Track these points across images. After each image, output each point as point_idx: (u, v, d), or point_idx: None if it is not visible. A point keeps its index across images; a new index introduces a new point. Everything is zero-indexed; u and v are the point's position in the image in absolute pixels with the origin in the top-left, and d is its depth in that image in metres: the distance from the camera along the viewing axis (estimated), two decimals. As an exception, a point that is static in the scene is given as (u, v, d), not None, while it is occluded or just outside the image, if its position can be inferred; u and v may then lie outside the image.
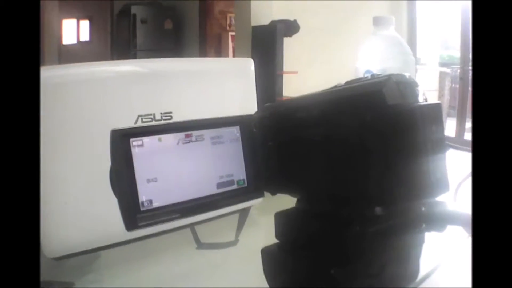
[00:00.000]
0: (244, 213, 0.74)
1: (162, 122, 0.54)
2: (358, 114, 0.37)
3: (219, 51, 5.98)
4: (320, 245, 0.41)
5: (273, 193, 0.48)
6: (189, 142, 0.47)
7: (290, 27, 2.91)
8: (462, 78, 3.95)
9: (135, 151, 0.45)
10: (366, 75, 0.47)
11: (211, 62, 0.83)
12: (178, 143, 0.47)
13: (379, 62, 0.91)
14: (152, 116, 0.64)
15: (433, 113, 0.37)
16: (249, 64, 0.77)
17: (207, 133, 0.48)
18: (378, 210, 0.38)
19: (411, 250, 0.43)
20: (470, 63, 3.62)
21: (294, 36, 2.94)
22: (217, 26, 6.09)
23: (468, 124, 3.87)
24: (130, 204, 0.45)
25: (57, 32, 6.04)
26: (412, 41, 3.93)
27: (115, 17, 6.38)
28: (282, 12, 2.97)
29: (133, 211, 0.45)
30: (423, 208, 0.40)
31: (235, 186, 0.49)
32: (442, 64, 5.05)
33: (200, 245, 0.69)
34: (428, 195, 0.38)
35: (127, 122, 0.56)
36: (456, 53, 4.42)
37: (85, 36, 6.53)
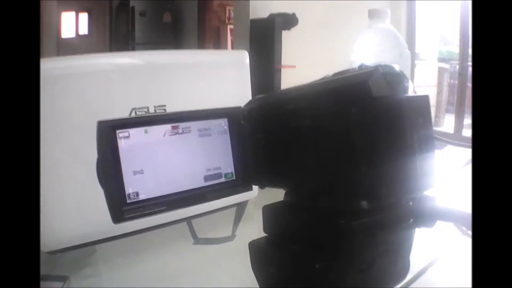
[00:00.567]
0: (241, 208, 0.74)
1: (150, 114, 0.54)
2: (344, 106, 0.37)
3: (218, 45, 5.97)
4: (306, 238, 0.41)
5: (262, 186, 0.48)
6: (175, 134, 0.47)
7: (289, 21, 2.90)
8: (461, 74, 3.94)
9: (121, 143, 0.45)
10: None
11: (206, 54, 0.83)
12: (164, 135, 0.47)
13: (374, 55, 0.90)
14: (146, 109, 0.63)
15: (421, 106, 0.37)
16: (244, 57, 0.76)
17: (194, 125, 0.48)
18: (364, 204, 0.37)
19: (400, 245, 0.43)
20: (469, 59, 3.62)
21: (292, 30, 2.93)
22: (216, 19, 6.08)
23: (467, 121, 3.87)
24: (117, 196, 0.44)
25: (56, 26, 6.01)
26: (411, 36, 3.92)
27: (114, 10, 6.37)
28: (281, 6, 2.96)
29: (120, 203, 0.44)
30: (411, 203, 0.40)
31: (223, 179, 0.48)
32: (441, 60, 5.04)
33: (197, 240, 0.69)
34: (415, 189, 0.38)
35: (121, 115, 0.56)
36: (455, 49, 4.41)
37: (83, 29, 6.51)
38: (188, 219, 0.70)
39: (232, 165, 0.48)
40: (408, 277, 0.46)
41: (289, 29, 2.92)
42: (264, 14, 2.98)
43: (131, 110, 0.61)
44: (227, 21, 6.03)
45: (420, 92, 0.38)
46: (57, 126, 0.58)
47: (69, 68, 0.61)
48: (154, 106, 0.63)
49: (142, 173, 0.45)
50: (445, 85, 4.72)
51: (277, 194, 0.46)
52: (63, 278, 0.58)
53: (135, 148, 0.45)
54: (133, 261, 0.65)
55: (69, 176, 0.59)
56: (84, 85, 0.60)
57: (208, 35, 6.08)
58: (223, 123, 0.47)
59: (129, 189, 0.44)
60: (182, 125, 0.46)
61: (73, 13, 6.46)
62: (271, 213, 0.46)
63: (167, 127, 0.45)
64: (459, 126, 3.87)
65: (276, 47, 2.88)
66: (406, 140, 0.35)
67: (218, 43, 6.03)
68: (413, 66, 3.66)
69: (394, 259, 0.43)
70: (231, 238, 0.70)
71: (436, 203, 0.40)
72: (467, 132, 3.66)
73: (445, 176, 0.76)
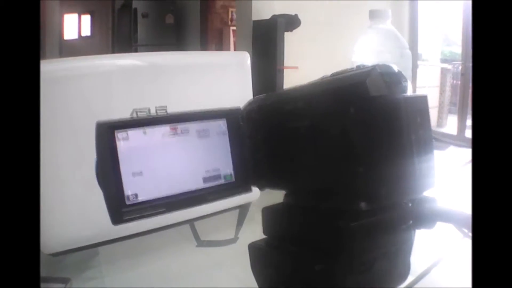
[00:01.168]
0: (243, 210, 0.74)
1: (148, 115, 0.54)
2: (342, 106, 0.37)
3: (221, 46, 5.97)
4: (306, 240, 0.41)
5: (261, 188, 0.48)
6: (174, 135, 0.46)
7: (291, 22, 2.90)
8: (464, 75, 3.93)
9: (120, 144, 0.44)
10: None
11: (208, 55, 0.83)
12: (163, 137, 0.46)
13: (375, 55, 0.90)
14: (147, 110, 0.63)
15: (419, 105, 0.37)
16: (245, 58, 0.76)
17: (193, 126, 0.47)
18: (363, 205, 0.37)
19: (400, 247, 0.42)
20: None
21: (295, 31, 2.93)
22: (219, 20, 6.08)
23: (470, 121, 3.86)
24: (116, 198, 0.44)
25: (58, 27, 6.02)
26: (413, 37, 3.91)
27: (116, 12, 6.37)
28: (284, 7, 2.96)
29: (119, 205, 0.44)
30: (410, 204, 0.40)
31: (222, 181, 0.48)
32: (444, 60, 5.03)
33: (200, 242, 0.69)
34: (414, 190, 0.38)
35: (122, 116, 0.56)
36: (458, 49, 4.40)
37: (86, 31, 6.51)
38: (190, 222, 0.70)
39: (231, 166, 0.48)
40: (409, 279, 0.45)
41: (291, 30, 2.92)
42: (267, 16, 2.97)
43: (132, 111, 0.61)
44: (229, 22, 6.04)
45: (419, 92, 0.38)
46: (58, 127, 0.58)
47: (70, 70, 0.61)
48: (156, 107, 0.63)
49: (141, 174, 0.45)
50: (448, 86, 4.71)
51: (279, 196, 0.46)
52: (65, 280, 0.58)
53: (134, 150, 0.45)
54: (136, 264, 0.65)
55: (71, 178, 0.59)
56: (86, 86, 0.60)
57: (210, 37, 6.08)
58: (221, 124, 0.47)
59: (128, 191, 0.44)
60: (180, 126, 0.46)
61: (75, 15, 6.46)
62: (271, 214, 0.45)
63: (166, 128, 0.45)
64: (461, 127, 3.86)
65: (279, 48, 2.87)
66: (404, 140, 0.35)
67: (220, 44, 6.03)
68: (415, 66, 3.66)
69: (394, 261, 0.42)
70: (233, 240, 0.70)
71: (436, 204, 0.40)
72: (470, 133, 3.65)
73: (446, 176, 0.75)
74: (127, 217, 0.44)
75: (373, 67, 0.36)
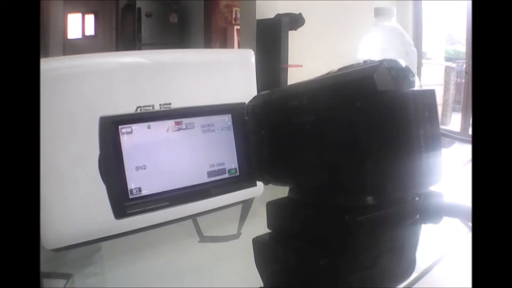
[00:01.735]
0: (246, 205, 0.74)
1: (153, 110, 0.54)
2: (349, 100, 0.36)
3: (225, 45, 5.97)
4: (311, 235, 0.41)
5: (266, 182, 0.47)
6: (179, 130, 0.46)
7: (295, 21, 2.89)
8: (468, 73, 3.93)
9: (123, 138, 0.44)
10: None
11: (212, 53, 0.83)
12: (167, 131, 0.46)
13: (380, 53, 0.90)
14: (151, 107, 0.63)
15: (427, 100, 0.36)
16: (250, 55, 0.76)
17: (198, 121, 0.47)
18: (369, 199, 0.37)
19: (406, 242, 0.42)
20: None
21: (299, 30, 2.92)
22: (223, 20, 6.08)
23: (473, 120, 3.84)
24: (119, 191, 0.44)
25: (62, 27, 6.03)
26: (417, 36, 3.90)
27: (120, 11, 6.37)
28: (288, 6, 2.95)
29: (122, 199, 0.44)
30: (417, 199, 0.39)
31: (226, 175, 0.48)
32: (448, 59, 5.03)
33: (203, 238, 0.68)
34: (421, 184, 0.37)
35: (126, 112, 0.56)
36: (462, 48, 4.40)
37: (90, 30, 6.52)
38: (193, 217, 0.70)
39: (236, 161, 0.47)
40: (414, 275, 0.45)
41: (295, 29, 2.91)
42: (271, 15, 2.97)
43: (136, 108, 0.61)
44: (233, 22, 6.04)
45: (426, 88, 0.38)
46: (61, 124, 0.58)
47: (73, 67, 0.61)
48: (160, 104, 0.63)
49: (144, 168, 0.45)
50: (452, 84, 4.70)
51: (283, 191, 0.46)
52: (67, 276, 0.58)
53: (137, 144, 0.45)
54: (138, 259, 0.65)
55: (73, 173, 0.59)
56: (89, 84, 0.60)
57: (214, 36, 6.08)
58: (226, 119, 0.47)
59: (131, 185, 0.44)
60: (185, 121, 0.45)
61: (79, 15, 6.47)
62: (275, 209, 0.45)
63: (170, 122, 0.45)
64: (465, 124, 3.86)
65: (283, 47, 2.87)
66: (412, 135, 0.35)
67: (224, 43, 6.03)
68: (420, 65, 3.65)
69: (399, 256, 0.42)
70: (236, 236, 0.69)
71: (443, 199, 0.40)
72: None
73: (451, 173, 0.75)
74: (130, 211, 0.44)
75: (381, 62, 0.36)
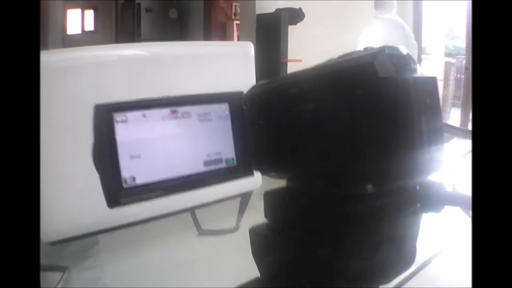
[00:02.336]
0: (245, 198, 0.73)
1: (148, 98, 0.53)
2: (349, 87, 0.36)
3: (224, 40, 5.97)
4: (309, 224, 0.40)
5: (264, 172, 0.47)
6: (175, 118, 0.46)
7: (295, 15, 2.89)
8: (468, 69, 3.93)
9: (118, 126, 0.44)
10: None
11: (211, 45, 0.83)
12: (163, 119, 0.46)
13: (380, 44, 0.89)
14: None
15: (428, 87, 0.36)
16: (249, 48, 0.76)
17: (195, 110, 0.47)
18: (369, 187, 0.36)
19: (406, 232, 0.41)
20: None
21: (298, 24, 2.92)
22: (222, 15, 6.08)
23: (473, 115, 3.85)
24: (112, 180, 0.43)
25: (61, 22, 6.02)
26: (417, 31, 3.90)
27: (120, 7, 6.37)
28: (288, 0, 2.95)
29: (115, 188, 0.43)
30: (418, 187, 0.39)
31: (223, 165, 0.48)
32: (448, 54, 5.03)
33: (201, 231, 0.68)
34: (422, 172, 0.37)
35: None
36: (462, 44, 4.40)
37: (89, 26, 6.51)
38: (191, 209, 0.69)
39: (233, 151, 0.47)
40: (413, 267, 0.45)
41: (295, 23, 2.91)
42: (270, 9, 2.97)
43: (133, 101, 0.60)
44: (233, 17, 6.03)
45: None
46: (58, 117, 0.57)
47: (71, 60, 0.60)
48: (158, 98, 0.62)
49: (139, 157, 0.44)
50: (452, 80, 4.70)
51: (281, 185, 0.45)
52: (63, 269, 0.57)
53: (132, 132, 0.44)
54: (136, 252, 0.64)
55: (71, 165, 0.58)
56: (86, 77, 0.59)
57: (214, 31, 6.08)
58: (224, 108, 0.46)
59: (125, 174, 0.43)
60: (181, 109, 0.45)
61: (79, 10, 6.46)
62: (273, 198, 0.45)
63: (166, 111, 0.44)
64: (465, 120, 3.86)
65: (283, 42, 2.87)
66: (413, 122, 0.34)
67: (224, 39, 6.03)
68: (419, 60, 3.65)
69: (399, 247, 0.41)
70: (235, 229, 0.69)
71: (444, 188, 0.39)
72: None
73: (450, 164, 0.75)
74: (124, 200, 0.43)
75: (382, 48, 0.36)
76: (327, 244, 0.38)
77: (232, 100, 0.47)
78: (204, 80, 0.67)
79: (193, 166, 0.47)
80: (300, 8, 2.89)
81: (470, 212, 0.35)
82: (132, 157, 0.44)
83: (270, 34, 2.89)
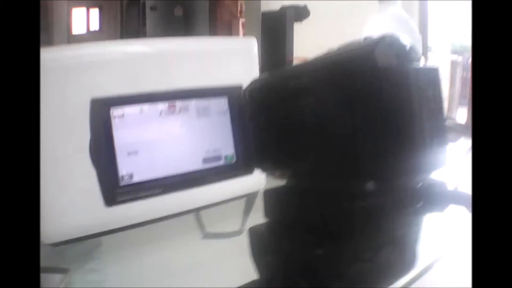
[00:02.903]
0: (250, 200, 0.72)
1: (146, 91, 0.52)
2: (348, 79, 0.34)
3: (229, 39, 5.97)
4: (309, 223, 0.39)
5: (264, 169, 0.46)
6: (172, 113, 0.44)
7: (300, 13, 2.87)
8: (474, 67, 3.91)
9: (115, 122, 0.42)
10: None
11: (215, 41, 0.82)
12: (161, 114, 0.44)
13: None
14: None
15: (430, 78, 0.34)
16: (253, 44, 0.76)
17: (193, 104, 0.45)
18: (370, 185, 0.35)
19: (408, 233, 0.40)
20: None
21: (304, 22, 2.91)
22: (228, 13, 6.07)
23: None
24: (109, 178, 0.42)
25: (66, 22, 6.02)
26: (423, 29, 3.89)
27: (125, 5, 6.37)
28: (293, -3, 2.94)
29: (112, 186, 0.42)
30: (419, 185, 0.38)
31: (222, 162, 0.46)
32: (454, 52, 5.00)
33: (206, 234, 0.67)
34: (424, 168, 0.35)
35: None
36: (468, 42, 4.37)
37: (95, 25, 6.51)
38: (195, 211, 0.68)
39: (232, 147, 0.46)
40: (414, 272, 0.44)
41: (301, 21, 2.90)
42: (276, 7, 2.96)
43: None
44: (239, 15, 6.02)
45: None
46: (59, 115, 0.57)
47: (75, 57, 0.60)
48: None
49: (136, 154, 0.43)
50: (458, 78, 4.68)
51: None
52: (64, 271, 0.57)
53: (129, 128, 0.43)
54: (139, 255, 0.64)
55: (73, 165, 0.58)
56: (90, 73, 0.59)
57: (220, 29, 6.08)
58: (223, 102, 0.45)
59: (122, 171, 0.42)
60: (179, 104, 0.44)
61: (84, 9, 6.46)
62: (273, 197, 0.44)
63: (164, 105, 0.43)
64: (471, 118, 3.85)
65: (288, 39, 2.86)
66: (415, 114, 0.33)
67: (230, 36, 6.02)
68: (425, 58, 3.63)
69: (400, 250, 0.40)
70: (239, 232, 0.68)
71: (447, 187, 0.38)
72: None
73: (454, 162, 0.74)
74: (121, 199, 0.42)
75: (382, 37, 0.34)
76: (326, 243, 0.37)
77: (231, 93, 0.46)
78: (207, 75, 0.67)
79: (192, 163, 0.46)
80: (305, 6, 2.88)
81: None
82: (129, 153, 0.43)
83: (276, 32, 2.89)
